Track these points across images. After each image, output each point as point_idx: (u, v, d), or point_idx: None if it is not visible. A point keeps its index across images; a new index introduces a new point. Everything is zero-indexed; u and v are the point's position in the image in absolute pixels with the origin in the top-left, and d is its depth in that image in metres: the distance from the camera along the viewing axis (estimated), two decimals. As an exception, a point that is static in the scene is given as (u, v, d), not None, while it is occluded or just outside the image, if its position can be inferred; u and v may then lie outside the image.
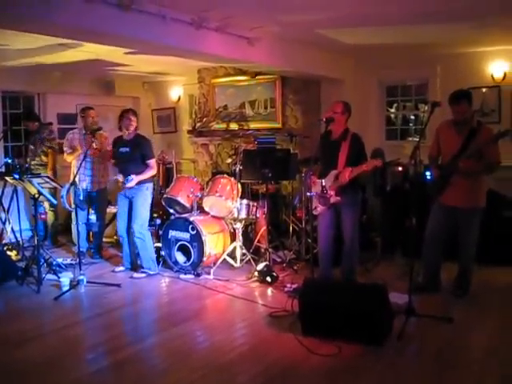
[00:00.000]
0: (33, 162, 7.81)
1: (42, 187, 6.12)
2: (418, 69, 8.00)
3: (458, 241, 5.46)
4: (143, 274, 6.49)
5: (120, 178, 6.39)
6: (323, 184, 5.35)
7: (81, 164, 6.57)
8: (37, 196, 6.12)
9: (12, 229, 7.55)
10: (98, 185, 7.20)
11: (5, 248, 6.96)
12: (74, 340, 4.79)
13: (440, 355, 4.20)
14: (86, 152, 6.55)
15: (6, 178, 6.63)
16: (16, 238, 7.50)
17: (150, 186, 6.56)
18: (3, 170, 7.83)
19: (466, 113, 5.21)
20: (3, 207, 7.47)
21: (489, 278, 6.12)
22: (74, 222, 7.33)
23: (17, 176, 6.22)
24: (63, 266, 6.65)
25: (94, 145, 6.78)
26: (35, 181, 6.06)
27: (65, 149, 7.25)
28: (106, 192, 7.52)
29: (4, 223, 7.49)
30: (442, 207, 5.42)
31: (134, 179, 6.30)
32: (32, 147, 7.84)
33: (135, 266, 6.68)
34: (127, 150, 6.42)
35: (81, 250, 7.14)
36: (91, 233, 7.49)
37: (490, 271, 6.28)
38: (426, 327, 4.72)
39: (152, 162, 6.50)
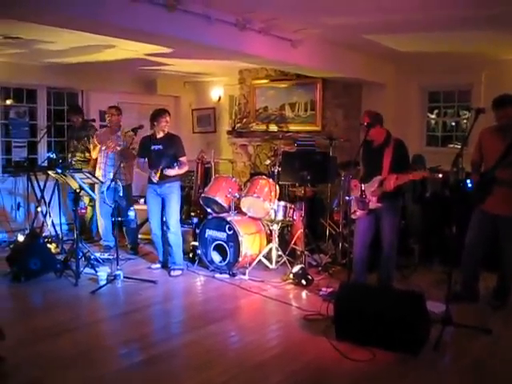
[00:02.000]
0: (75, 158, 7.95)
1: (84, 182, 6.23)
2: (461, 75, 7.85)
3: (499, 250, 5.35)
4: (179, 271, 6.55)
5: (154, 171, 6.42)
6: (363, 188, 5.30)
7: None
8: (78, 191, 6.23)
9: (52, 222, 7.69)
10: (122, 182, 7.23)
11: (45, 241, 7.08)
12: (108, 334, 4.89)
13: (476, 367, 4.12)
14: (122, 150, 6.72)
15: (49, 172, 6.75)
16: (56, 231, 7.65)
17: (180, 183, 6.70)
18: (46, 164, 8.03)
19: (510, 118, 5.10)
20: (45, 201, 7.61)
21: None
22: (100, 218, 7.45)
23: (59, 170, 6.34)
24: (101, 261, 6.75)
25: (109, 142, 7.02)
26: (77, 176, 6.16)
27: (91, 146, 7.40)
28: (131, 189, 7.61)
29: (45, 216, 7.64)
30: (483, 215, 5.33)
31: (176, 169, 6.40)
32: (75, 143, 7.98)
33: (167, 263, 6.74)
34: (160, 147, 6.49)
35: (107, 244, 7.31)
36: (124, 229, 7.55)
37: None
38: (463, 338, 4.63)
39: (184, 159, 6.56)
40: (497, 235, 5.34)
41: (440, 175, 5.17)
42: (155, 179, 6.38)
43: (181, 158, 6.52)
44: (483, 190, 5.22)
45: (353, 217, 5.61)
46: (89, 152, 7.72)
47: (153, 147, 6.52)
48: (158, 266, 6.82)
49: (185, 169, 6.60)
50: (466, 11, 5.21)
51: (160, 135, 6.52)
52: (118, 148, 7.08)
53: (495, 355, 4.35)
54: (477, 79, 7.82)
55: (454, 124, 8.65)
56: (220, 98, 10.59)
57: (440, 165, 6.30)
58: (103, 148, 7.17)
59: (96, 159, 7.43)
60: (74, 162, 7.96)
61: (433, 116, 8.74)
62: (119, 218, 6.41)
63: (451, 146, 8.45)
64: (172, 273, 6.53)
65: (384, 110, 5.85)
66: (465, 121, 8.39)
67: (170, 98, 10.92)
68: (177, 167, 6.40)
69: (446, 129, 8.71)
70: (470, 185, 5.55)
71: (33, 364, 4.10)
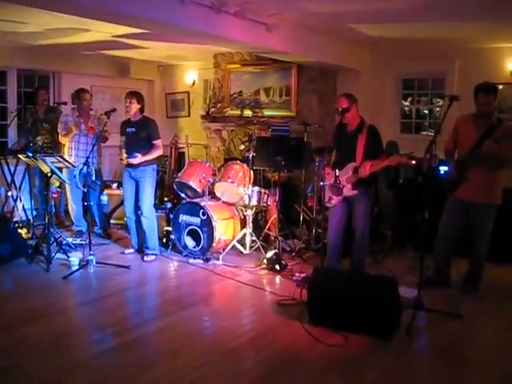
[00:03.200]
0: (46, 141, 7.81)
1: (56, 166, 6.13)
2: (436, 62, 7.90)
3: (470, 236, 5.43)
4: (153, 257, 6.53)
5: (124, 155, 6.38)
6: (337, 174, 5.32)
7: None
8: (49, 175, 6.14)
9: (23, 207, 7.58)
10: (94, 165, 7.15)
11: (16, 226, 6.98)
12: (81, 320, 4.86)
13: (447, 351, 4.19)
14: (98, 133, 6.63)
15: (20, 155, 6.64)
16: (27, 216, 7.54)
17: (155, 167, 6.63)
18: (17, 148, 7.88)
19: (490, 106, 5.16)
20: (15, 185, 7.49)
21: (500, 275, 6.09)
22: (71, 203, 7.34)
23: (30, 154, 6.23)
24: (73, 246, 6.68)
25: (89, 123, 6.97)
26: (48, 159, 6.07)
27: (59, 130, 7.24)
28: (101, 173, 7.56)
29: (15, 201, 7.52)
30: (457, 201, 5.39)
31: (139, 157, 6.34)
32: (46, 125, 7.83)
33: (142, 248, 6.70)
34: (133, 130, 6.45)
35: (80, 229, 7.23)
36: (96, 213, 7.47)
37: (502, 268, 6.25)
38: (435, 322, 4.70)
39: (158, 142, 6.51)
40: (469, 222, 5.41)
41: (413, 162, 5.20)
42: (123, 162, 6.46)
43: (154, 142, 6.47)
44: (457, 177, 5.29)
45: (328, 204, 5.62)
46: (57, 135, 7.54)
47: (127, 130, 6.48)
48: (132, 250, 6.77)
49: (157, 153, 6.54)
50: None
51: (135, 118, 6.50)
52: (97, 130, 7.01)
53: (466, 340, 4.42)
54: (451, 67, 7.87)
55: (427, 111, 8.72)
56: (194, 83, 10.49)
57: (413, 151, 6.34)
58: (76, 132, 7.03)
59: (64, 144, 7.32)
60: (43, 145, 7.81)
61: (407, 103, 8.79)
62: (91, 203, 6.33)
63: (424, 133, 8.52)
64: (145, 258, 6.50)
65: (359, 96, 5.84)
66: (438, 108, 8.46)
67: (143, 81, 10.80)
68: (140, 155, 6.34)
69: (420, 116, 8.77)
70: (442, 171, 5.61)
71: (6, 351, 4.05)
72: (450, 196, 5.48)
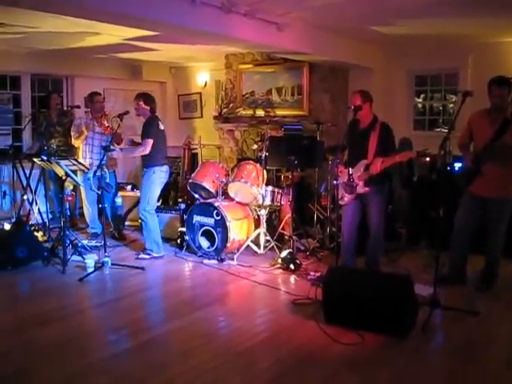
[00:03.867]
0: (60, 144, 7.85)
1: (70, 169, 6.17)
2: (448, 58, 7.83)
3: (486, 233, 5.38)
4: (147, 256, 6.57)
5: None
6: (350, 172, 5.30)
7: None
8: (64, 178, 6.18)
9: (39, 210, 7.63)
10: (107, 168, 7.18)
11: (31, 229, 7.03)
12: (96, 321, 4.88)
13: (464, 348, 4.15)
14: (111, 136, 6.68)
15: (34, 159, 6.69)
16: (42, 219, 7.59)
17: (158, 169, 6.50)
18: (31, 151, 7.94)
19: (503, 99, 5.11)
20: (31, 188, 7.54)
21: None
22: (86, 205, 7.38)
23: (45, 157, 6.27)
24: (88, 248, 6.72)
25: (105, 122, 7.01)
26: (63, 163, 6.10)
27: (72, 133, 7.29)
28: (115, 175, 7.60)
29: (31, 204, 7.57)
30: (472, 197, 5.34)
31: (117, 150, 6.56)
32: (58, 128, 7.88)
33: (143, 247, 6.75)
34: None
35: (95, 231, 7.27)
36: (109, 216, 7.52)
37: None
38: (451, 320, 4.66)
39: (145, 141, 6.44)
40: (485, 218, 5.36)
41: (427, 159, 5.17)
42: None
43: (144, 140, 6.47)
44: (472, 172, 5.24)
45: (341, 202, 5.61)
46: (70, 138, 7.58)
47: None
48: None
49: (139, 149, 6.50)
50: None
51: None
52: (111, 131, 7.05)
53: (482, 337, 4.37)
54: (463, 63, 7.81)
55: (441, 108, 8.66)
56: (206, 84, 10.51)
57: (427, 148, 6.30)
58: (90, 135, 7.09)
59: (78, 147, 7.37)
60: (57, 148, 7.85)
61: (420, 100, 8.74)
62: (106, 205, 6.37)
63: (438, 129, 8.45)
64: (140, 255, 6.60)
65: (371, 93, 5.83)
66: (451, 105, 8.39)
67: (155, 83, 10.84)
68: (117, 148, 6.55)
69: (433, 113, 8.72)
70: (457, 168, 5.56)
71: (21, 352, 4.08)
72: (465, 191, 5.43)
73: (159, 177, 6.54)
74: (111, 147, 6.38)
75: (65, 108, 8.39)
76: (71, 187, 7.89)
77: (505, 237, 5.36)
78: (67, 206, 6.80)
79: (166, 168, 6.63)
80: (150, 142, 6.41)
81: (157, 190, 6.59)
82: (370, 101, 5.43)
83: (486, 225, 5.37)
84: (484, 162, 5.15)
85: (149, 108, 6.54)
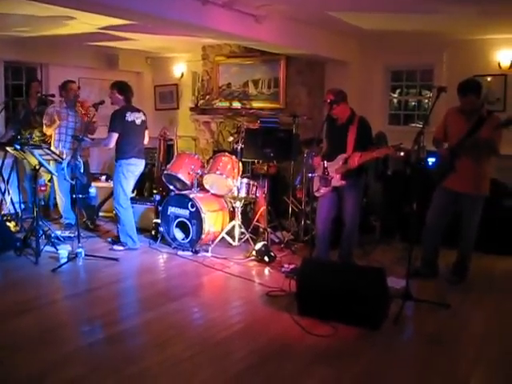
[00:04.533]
0: (40, 135, 7.73)
1: (44, 159, 6.10)
2: (424, 54, 7.91)
3: (458, 227, 5.46)
4: (121, 247, 6.55)
5: None
6: (325, 166, 5.33)
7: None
8: (37, 167, 6.11)
9: (11, 200, 7.54)
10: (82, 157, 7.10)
11: (4, 219, 6.95)
12: (70, 312, 4.85)
13: (436, 340, 4.22)
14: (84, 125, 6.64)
15: (7, 148, 6.60)
16: (15, 209, 7.50)
17: (124, 162, 6.38)
18: (4, 140, 7.82)
19: (472, 104, 5.20)
20: (3, 178, 7.44)
21: (487, 265, 6.15)
22: (59, 195, 7.30)
23: (18, 146, 6.19)
24: (61, 239, 6.66)
25: (81, 109, 7.07)
26: (36, 152, 6.03)
27: (44, 121, 7.19)
28: (89, 165, 7.56)
29: (3, 194, 7.48)
30: (445, 192, 5.42)
31: (88, 141, 6.63)
32: (39, 119, 7.73)
33: (117, 239, 6.70)
34: None
35: (69, 222, 7.21)
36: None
37: (489, 259, 6.30)
38: (423, 312, 4.73)
39: (109, 134, 6.32)
40: (457, 212, 5.44)
41: (402, 153, 5.22)
42: None
43: (108, 133, 6.36)
44: (445, 167, 5.31)
45: (316, 194, 5.64)
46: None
47: None
48: (110, 240, 6.87)
49: (101, 141, 6.51)
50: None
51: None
52: (86, 118, 6.98)
53: (453, 329, 4.45)
54: (438, 59, 7.90)
55: (415, 103, 8.74)
56: (183, 75, 10.48)
57: (402, 143, 6.37)
58: (63, 124, 7.02)
59: (50, 136, 7.29)
60: (36, 138, 7.74)
61: (395, 95, 8.81)
62: (80, 195, 6.32)
63: (413, 124, 8.54)
64: (114, 247, 6.59)
65: (347, 87, 5.85)
66: (426, 100, 8.49)
67: (131, 73, 10.74)
68: (88, 140, 6.60)
69: (408, 108, 8.80)
70: (430, 163, 5.63)
71: (-8, 343, 4.05)
72: (438, 186, 5.50)
73: (126, 170, 6.40)
74: (80, 136, 6.30)
75: (44, 97, 8.21)
76: (48, 177, 7.79)
77: (477, 231, 5.44)
78: (41, 197, 6.71)
79: (134, 160, 6.43)
80: (114, 135, 6.27)
81: (125, 184, 6.44)
82: (344, 100, 5.43)
83: (458, 219, 5.45)
84: (458, 157, 5.22)
85: (123, 97, 6.42)
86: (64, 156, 6.68)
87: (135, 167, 6.50)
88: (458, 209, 5.43)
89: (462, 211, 5.42)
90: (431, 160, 6.41)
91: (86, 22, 6.73)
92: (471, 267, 5.57)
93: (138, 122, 6.49)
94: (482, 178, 5.32)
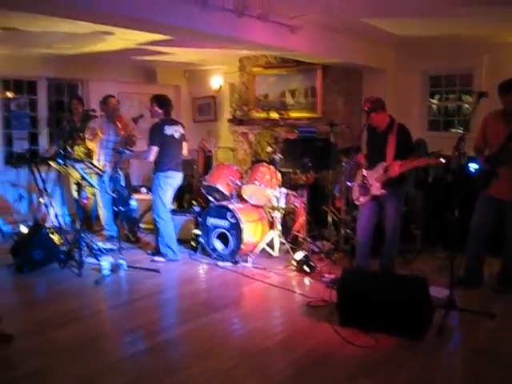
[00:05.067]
0: (83, 149, 7.87)
1: (86, 173, 6.22)
2: (463, 59, 7.79)
3: (502, 234, 5.34)
4: (162, 259, 6.60)
5: None
6: (364, 174, 5.29)
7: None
8: (79, 181, 6.23)
9: (55, 213, 7.69)
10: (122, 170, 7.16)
11: (48, 232, 7.08)
12: (112, 323, 4.91)
13: (480, 350, 4.13)
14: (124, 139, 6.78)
15: (50, 162, 6.75)
16: (59, 222, 7.64)
17: (161, 175, 6.45)
18: (48, 155, 8.00)
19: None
20: (47, 192, 7.60)
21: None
22: (101, 207, 7.42)
23: (60, 161, 6.32)
24: (104, 251, 6.76)
25: (119, 125, 7.07)
26: (78, 166, 6.16)
27: (86, 135, 7.36)
28: (129, 178, 7.68)
29: (47, 207, 7.63)
30: (488, 199, 5.31)
31: (127, 153, 6.66)
32: (82, 134, 7.87)
33: (156, 251, 6.76)
34: None
35: (110, 234, 7.32)
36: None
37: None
38: (467, 323, 4.64)
39: (149, 147, 6.38)
40: (501, 220, 5.32)
41: (442, 160, 5.15)
42: None
43: (148, 146, 6.42)
44: (488, 174, 5.21)
45: (357, 202, 5.60)
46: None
47: None
48: (151, 252, 6.93)
49: (143, 154, 6.54)
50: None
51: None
52: (123, 133, 7.08)
53: (499, 340, 4.34)
54: (478, 63, 7.76)
55: (455, 109, 8.61)
56: (220, 87, 10.56)
57: (442, 149, 6.28)
58: (105, 137, 7.16)
59: (93, 151, 7.43)
60: (81, 154, 7.88)
61: (434, 101, 8.70)
62: (121, 208, 6.41)
63: (453, 130, 8.41)
64: (154, 258, 6.66)
65: (385, 95, 5.82)
66: (466, 105, 8.35)
67: (170, 87, 10.89)
68: (126, 151, 6.62)
69: (448, 113, 8.67)
70: (472, 169, 5.53)
71: (39, 353, 4.11)
72: (481, 193, 5.39)
73: (164, 183, 6.47)
74: (120, 149, 6.41)
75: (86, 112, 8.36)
76: (90, 191, 7.92)
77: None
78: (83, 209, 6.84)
79: (172, 173, 6.50)
80: (154, 149, 6.34)
81: (164, 196, 6.50)
82: (381, 107, 5.39)
83: (502, 227, 5.33)
84: (499, 164, 5.12)
85: (162, 111, 6.51)
86: (105, 169, 6.79)
87: (172, 180, 6.56)
88: (502, 216, 5.31)
89: (506, 218, 5.30)
90: (473, 166, 6.30)
91: (124, 38, 6.85)
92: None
93: (176, 135, 6.55)
94: None
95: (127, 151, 6.60)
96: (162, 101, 6.57)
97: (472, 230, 5.45)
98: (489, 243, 5.47)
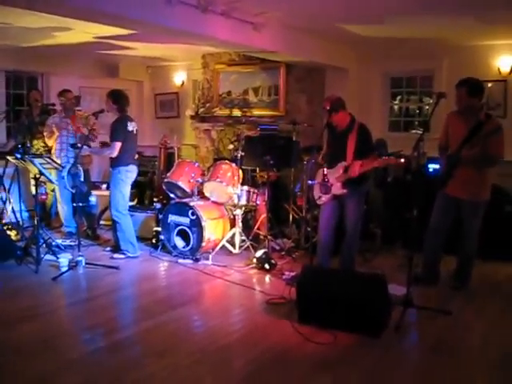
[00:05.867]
0: (43, 145, 7.72)
1: (44, 167, 6.11)
2: (423, 61, 7.93)
3: (460, 233, 5.45)
4: (122, 256, 6.55)
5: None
6: (325, 172, 5.32)
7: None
8: (38, 176, 6.11)
9: (12, 209, 7.54)
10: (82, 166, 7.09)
11: (5, 228, 6.95)
12: (70, 320, 4.84)
13: (437, 347, 4.20)
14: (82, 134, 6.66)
15: (8, 157, 6.61)
16: (16, 218, 7.50)
17: (123, 169, 6.43)
18: (6, 149, 7.83)
19: (461, 99, 5.17)
20: (4, 187, 7.45)
21: (489, 272, 6.13)
22: (61, 203, 7.32)
23: (18, 155, 6.20)
24: (62, 247, 6.66)
25: (75, 123, 7.01)
26: (36, 161, 6.04)
27: (45, 133, 7.26)
28: (89, 174, 7.59)
29: (5, 203, 7.49)
30: (446, 198, 5.41)
31: (85, 150, 6.51)
32: (41, 128, 7.66)
33: (116, 247, 6.70)
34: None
35: (70, 230, 7.21)
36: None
37: (491, 266, 6.29)
38: (424, 319, 4.72)
39: (113, 143, 6.37)
40: (459, 218, 5.42)
41: (402, 160, 5.21)
42: None
43: (111, 142, 6.41)
44: (446, 173, 5.31)
45: (318, 202, 5.63)
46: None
47: None
48: (109, 248, 6.86)
49: (105, 151, 6.55)
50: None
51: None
52: (84, 130, 6.97)
53: (455, 336, 4.43)
54: (438, 65, 7.91)
55: (417, 110, 8.75)
56: (183, 83, 10.51)
57: (402, 150, 6.39)
58: (64, 133, 7.05)
59: (52, 146, 7.30)
60: (41, 148, 7.73)
61: (396, 102, 8.82)
62: (80, 204, 6.32)
63: (413, 131, 8.54)
64: (114, 255, 6.59)
65: (347, 94, 5.88)
66: (427, 106, 8.49)
67: (132, 82, 10.80)
68: (86, 148, 6.51)
69: (409, 114, 8.80)
70: (431, 169, 5.63)
71: (-6, 351, 4.05)
72: (439, 193, 5.49)
73: (125, 176, 6.47)
74: (79, 145, 6.31)
75: (45, 106, 8.20)
76: (51, 187, 7.78)
77: (478, 237, 5.42)
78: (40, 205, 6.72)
79: (132, 167, 6.54)
80: (118, 144, 6.34)
81: (125, 190, 6.52)
82: (341, 107, 5.40)
83: (459, 225, 5.44)
84: (456, 163, 5.22)
85: (116, 107, 6.46)
86: (63, 164, 6.69)
87: (132, 174, 6.59)
88: (459, 214, 5.41)
89: (463, 217, 5.41)
90: (431, 166, 6.41)
91: (85, 31, 6.75)
92: (473, 274, 5.55)
93: (134, 131, 6.57)
94: (482, 184, 5.31)
95: (86, 147, 6.49)
96: (116, 96, 6.52)
97: (430, 229, 5.54)
98: (447, 241, 5.56)
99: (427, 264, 5.65)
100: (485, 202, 5.36)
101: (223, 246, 6.64)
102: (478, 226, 5.39)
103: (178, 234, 6.66)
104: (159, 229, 6.83)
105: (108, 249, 6.86)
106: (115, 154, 6.35)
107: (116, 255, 6.56)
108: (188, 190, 6.84)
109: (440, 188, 5.47)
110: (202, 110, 9.57)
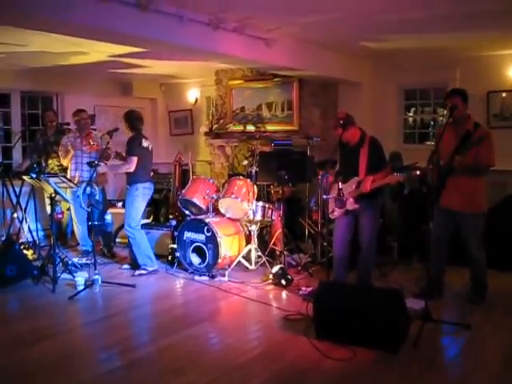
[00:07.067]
0: (58, 164, 7.76)
1: (59, 187, 6.14)
2: (436, 72, 7.90)
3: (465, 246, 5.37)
4: (143, 271, 6.57)
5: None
6: (340, 187, 5.30)
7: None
8: (53, 195, 6.15)
9: (29, 228, 7.58)
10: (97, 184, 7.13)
11: (21, 247, 6.98)
12: (86, 340, 4.83)
13: (457, 363, 4.13)
14: (101, 151, 6.70)
15: (24, 177, 6.66)
16: (32, 237, 7.54)
17: (140, 186, 6.53)
18: (21, 169, 7.89)
19: (460, 109, 5.07)
20: (20, 206, 7.50)
21: (506, 283, 6.04)
22: (76, 222, 7.34)
23: (34, 175, 6.25)
24: (78, 266, 6.67)
25: (90, 141, 6.99)
26: (52, 180, 6.08)
27: (60, 153, 7.31)
28: (105, 192, 7.61)
29: (21, 222, 7.52)
30: (442, 211, 5.28)
31: (103, 167, 6.69)
32: (56, 148, 7.73)
33: (134, 265, 6.72)
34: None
35: (86, 249, 7.23)
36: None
37: (508, 277, 6.19)
38: (443, 334, 4.65)
39: (130, 158, 6.47)
40: (459, 229, 5.35)
41: (417, 172, 5.16)
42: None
43: (128, 158, 6.50)
44: (438, 185, 5.20)
45: (331, 216, 5.60)
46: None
47: None
48: (127, 266, 6.88)
49: (124, 166, 6.55)
50: (441, 10, 5.24)
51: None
52: (99, 149, 7.01)
53: (474, 350, 4.35)
54: (452, 76, 7.86)
55: (431, 122, 8.71)
56: (197, 100, 10.55)
57: (417, 162, 6.34)
58: (78, 153, 7.09)
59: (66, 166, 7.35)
60: (55, 167, 7.79)
61: (410, 114, 8.79)
62: (96, 223, 6.35)
63: (428, 143, 8.50)
64: (135, 272, 6.60)
65: (361, 108, 5.88)
66: (441, 118, 8.44)
67: (146, 100, 10.87)
68: (102, 164, 6.67)
69: (424, 126, 8.77)
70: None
71: (12, 371, 4.05)
72: (435, 206, 5.26)
73: (142, 193, 6.57)
74: (96, 163, 6.36)
75: (60, 126, 8.26)
76: (67, 206, 7.81)
77: (483, 248, 5.31)
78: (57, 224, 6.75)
79: (148, 184, 6.67)
80: (135, 159, 6.44)
81: (140, 207, 6.61)
82: (350, 124, 5.39)
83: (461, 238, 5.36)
84: (448, 175, 5.14)
85: (130, 126, 6.58)
86: (79, 183, 6.73)
87: (149, 191, 6.69)
88: (458, 227, 5.33)
89: (461, 229, 5.32)
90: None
91: (97, 51, 6.82)
92: (492, 286, 5.46)
93: (150, 148, 6.68)
94: (476, 194, 5.22)
95: (103, 164, 6.54)
96: (129, 116, 6.66)
97: (432, 243, 5.40)
98: (457, 253, 5.46)
99: (431, 277, 5.52)
100: (482, 213, 5.27)
101: (239, 262, 6.61)
102: (479, 237, 5.28)
103: (193, 251, 6.65)
104: (175, 246, 6.83)
105: (124, 266, 6.87)
106: (133, 168, 6.44)
107: (137, 272, 6.57)
108: (203, 206, 6.84)
109: (434, 201, 5.33)
110: (215, 126, 9.59)
